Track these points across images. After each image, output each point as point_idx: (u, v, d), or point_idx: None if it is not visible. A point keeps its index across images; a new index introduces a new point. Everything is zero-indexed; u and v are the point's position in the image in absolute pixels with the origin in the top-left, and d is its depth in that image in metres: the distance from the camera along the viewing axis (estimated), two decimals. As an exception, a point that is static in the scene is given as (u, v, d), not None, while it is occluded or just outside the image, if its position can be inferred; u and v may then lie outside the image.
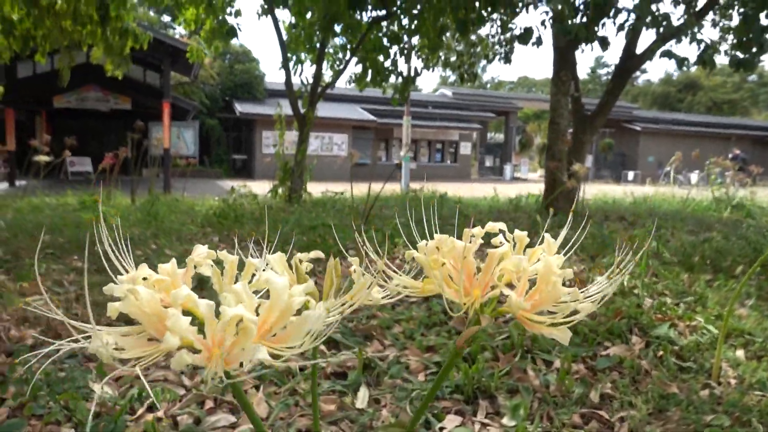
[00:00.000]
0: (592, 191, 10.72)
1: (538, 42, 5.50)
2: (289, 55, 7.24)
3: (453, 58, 7.50)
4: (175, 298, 0.45)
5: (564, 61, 5.82)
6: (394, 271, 0.80)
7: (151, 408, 1.70)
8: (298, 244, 3.78)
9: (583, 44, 5.54)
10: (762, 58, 5.01)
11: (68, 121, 24.08)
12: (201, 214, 5.26)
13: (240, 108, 27.96)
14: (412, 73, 7.27)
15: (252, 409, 0.81)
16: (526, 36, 5.22)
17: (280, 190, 6.98)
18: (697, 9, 5.34)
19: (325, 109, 29.05)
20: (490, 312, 0.67)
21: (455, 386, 1.88)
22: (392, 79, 7.28)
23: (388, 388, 1.91)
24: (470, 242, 0.68)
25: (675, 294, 2.78)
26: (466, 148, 33.33)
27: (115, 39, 7.12)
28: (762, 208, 7.16)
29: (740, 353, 2.21)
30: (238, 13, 7.04)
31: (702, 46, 4.64)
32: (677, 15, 5.55)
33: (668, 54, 4.81)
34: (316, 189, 8.11)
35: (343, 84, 8.33)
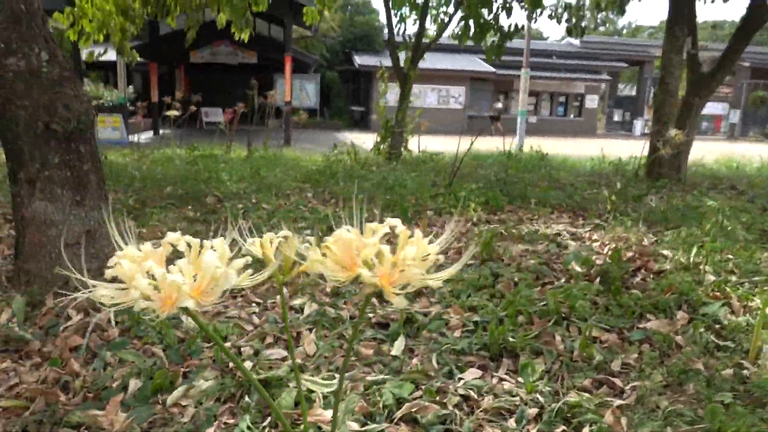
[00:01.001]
0: (727, 151, 9.80)
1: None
2: (393, 11, 7.36)
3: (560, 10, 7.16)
4: (143, 268, 0.73)
5: (679, 14, 5.38)
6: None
7: (224, 338, 2.09)
8: (380, 202, 4.07)
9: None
10: None
11: (203, 74, 26.10)
12: (303, 169, 5.71)
13: (359, 60, 28.47)
14: (512, 29, 7.08)
15: (228, 352, 1.09)
16: None
17: (381, 147, 7.28)
18: None
19: (441, 61, 28.91)
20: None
21: (483, 344, 2.08)
22: (492, 35, 7.15)
23: (424, 341, 2.16)
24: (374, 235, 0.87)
25: (744, 273, 2.69)
26: (592, 101, 31.46)
27: (236, 1, 7.68)
28: None
29: (791, 338, 2.16)
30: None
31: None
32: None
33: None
34: (431, 142, 8.29)
35: (449, 38, 8.25)
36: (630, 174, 5.30)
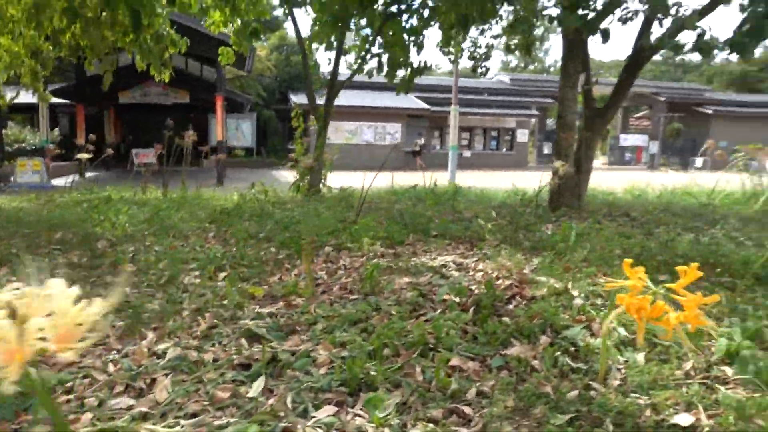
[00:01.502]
0: (640, 180, 10.32)
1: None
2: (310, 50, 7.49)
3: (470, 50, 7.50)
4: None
5: (572, 52, 5.73)
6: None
7: (70, 390, 1.99)
8: (278, 239, 4.04)
9: (591, 36, 5.44)
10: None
11: (135, 115, 25.61)
12: (214, 209, 5.62)
13: (294, 99, 28.64)
14: (422, 65, 7.35)
15: (46, 398, 1.04)
16: (518, 25, 5.17)
17: (300, 185, 7.28)
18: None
19: (378, 99, 29.47)
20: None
21: (343, 380, 2.07)
22: (402, 71, 7.40)
23: (287, 380, 2.12)
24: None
25: (610, 296, 2.81)
26: (523, 135, 32.75)
27: (151, 45, 7.61)
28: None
29: (641, 356, 2.26)
30: (261, 14, 7.35)
31: (697, 32, 4.49)
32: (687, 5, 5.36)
33: (675, 48, 4.66)
34: (361, 178, 8.31)
35: (375, 77, 8.41)
36: (533, 204, 5.50)
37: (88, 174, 19.39)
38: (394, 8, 6.50)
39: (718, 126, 30.86)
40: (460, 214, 5.35)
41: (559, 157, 5.67)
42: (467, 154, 32.08)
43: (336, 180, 8.23)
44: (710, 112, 30.76)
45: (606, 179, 13.17)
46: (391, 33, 6.92)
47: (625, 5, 5.30)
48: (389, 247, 3.98)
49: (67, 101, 21.91)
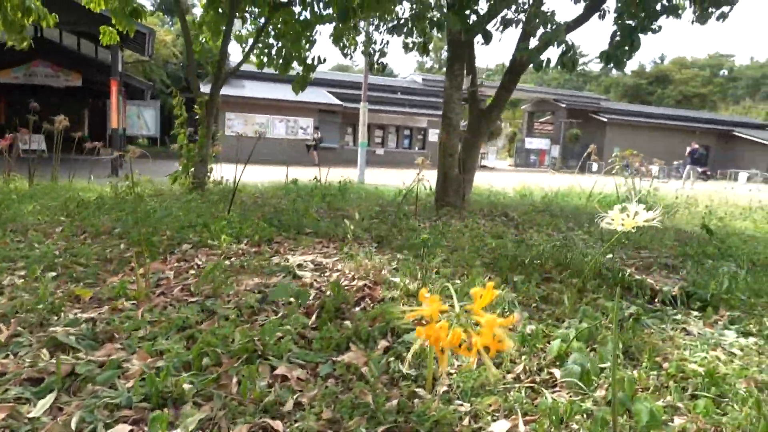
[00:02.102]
0: (536, 182, 10.71)
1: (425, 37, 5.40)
2: (199, 38, 7.10)
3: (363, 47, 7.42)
4: None
5: (456, 54, 5.77)
6: None
7: None
8: (132, 236, 3.72)
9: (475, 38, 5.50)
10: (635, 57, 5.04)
11: (21, 97, 23.51)
12: (77, 201, 5.15)
13: (201, 88, 27.50)
14: (315, 61, 7.19)
15: None
16: (398, 28, 5.14)
17: (182, 177, 6.88)
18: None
19: (290, 92, 28.90)
20: None
21: (145, 395, 1.86)
22: (297, 66, 7.20)
23: (86, 395, 1.89)
24: None
25: (460, 298, 2.78)
26: (434, 135, 33.37)
27: (16, 16, 6.90)
28: (668, 205, 7.25)
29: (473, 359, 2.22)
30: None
31: (562, 48, 4.64)
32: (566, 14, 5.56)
33: (539, 64, 4.78)
34: (278, 173, 7.98)
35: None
36: (418, 203, 5.48)
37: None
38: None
39: (612, 133, 32.97)
40: (341, 211, 5.24)
41: (444, 157, 5.69)
42: (380, 151, 32.29)
43: (233, 173, 7.88)
44: (605, 119, 32.79)
45: (506, 180, 13.61)
46: (281, 24, 6.67)
47: (505, 12, 5.38)
48: (254, 245, 3.77)
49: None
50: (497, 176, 22.27)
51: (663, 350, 2.46)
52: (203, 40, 7.20)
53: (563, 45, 4.54)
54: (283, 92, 29.01)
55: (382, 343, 2.32)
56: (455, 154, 5.93)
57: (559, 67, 4.61)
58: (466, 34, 4.82)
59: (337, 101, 29.57)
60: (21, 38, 6.73)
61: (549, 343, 2.44)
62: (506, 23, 5.00)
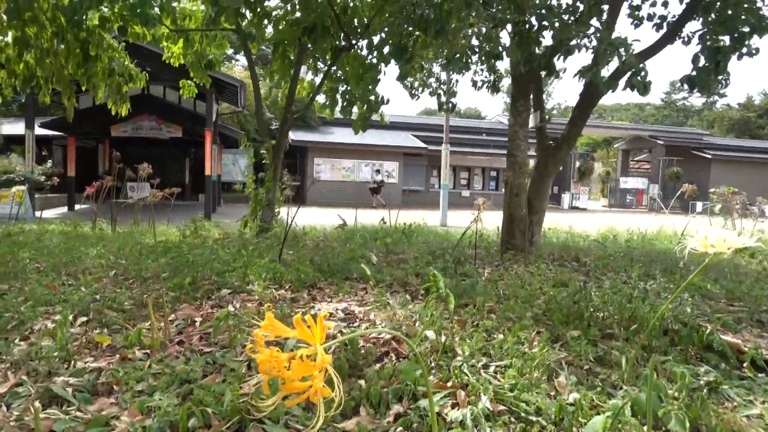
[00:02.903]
0: (629, 223, 9.89)
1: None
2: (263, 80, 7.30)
3: (433, 86, 7.30)
4: None
5: (520, 89, 5.47)
6: None
7: None
8: (168, 282, 3.70)
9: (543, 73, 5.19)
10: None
11: (130, 148, 25.65)
12: (145, 245, 5.31)
13: (293, 136, 28.86)
14: (379, 100, 7.12)
15: None
16: (455, 62, 4.91)
17: (251, 221, 6.98)
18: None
19: (376, 137, 29.58)
20: None
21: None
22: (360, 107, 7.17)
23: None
24: None
25: (497, 355, 2.44)
26: (522, 176, 32.59)
27: (104, 78, 7.43)
28: (777, 248, 6.35)
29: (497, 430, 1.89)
30: (219, 47, 7.20)
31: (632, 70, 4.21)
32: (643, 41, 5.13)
33: (608, 85, 4.38)
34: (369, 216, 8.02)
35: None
36: (483, 246, 5.14)
37: (79, 207, 19.30)
38: (345, 42, 6.32)
39: (718, 170, 30.59)
40: (399, 254, 5.01)
41: (509, 197, 5.35)
42: (466, 193, 31.90)
43: (314, 217, 7.97)
44: (709, 156, 30.53)
45: (597, 221, 12.78)
46: (348, 67, 6.72)
47: (576, 40, 5.04)
48: (295, 290, 3.63)
49: (60, 134, 22.02)
50: (587, 217, 21.15)
51: (746, 431, 1.99)
52: (275, 87, 7.40)
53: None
54: (370, 137, 29.70)
55: (395, 408, 2.03)
56: (522, 193, 5.56)
57: (629, 89, 4.19)
58: (525, 65, 4.54)
59: (422, 144, 29.78)
60: (121, 101, 7.18)
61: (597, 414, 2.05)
62: (568, 51, 4.64)
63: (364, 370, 2.34)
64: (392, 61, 6.57)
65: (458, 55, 5.00)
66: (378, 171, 28.78)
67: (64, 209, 19.48)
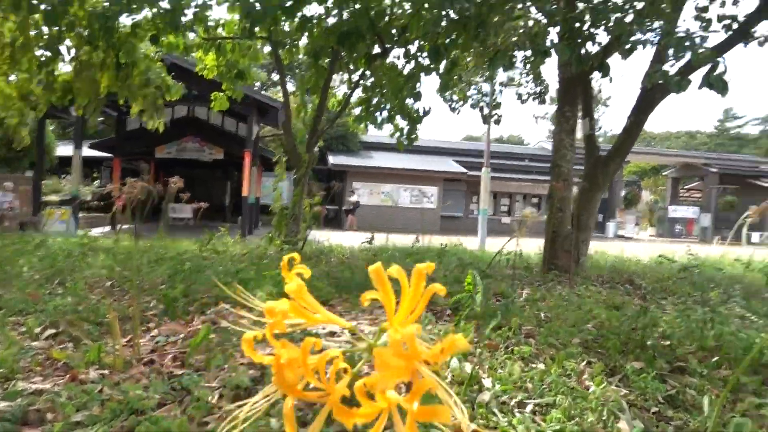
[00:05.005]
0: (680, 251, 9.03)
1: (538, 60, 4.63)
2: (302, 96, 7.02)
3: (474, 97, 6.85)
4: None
5: (568, 92, 4.95)
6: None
7: None
8: (162, 292, 3.30)
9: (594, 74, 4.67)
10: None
11: (174, 169, 26.01)
12: (163, 260, 4.97)
13: (332, 159, 28.86)
14: (421, 112, 6.67)
15: None
16: (498, 59, 4.37)
17: (275, 238, 6.59)
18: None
19: (415, 162, 29.26)
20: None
21: None
22: (400, 121, 6.76)
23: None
24: None
25: (536, 390, 1.90)
26: (565, 203, 31.56)
27: (139, 89, 7.27)
28: None
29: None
30: (251, 58, 6.96)
31: (708, 66, 3.64)
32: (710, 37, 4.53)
33: (679, 84, 3.80)
34: (402, 240, 7.78)
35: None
36: (521, 266, 4.60)
37: (122, 226, 19.49)
38: (378, 48, 5.95)
39: (777, 199, 28.85)
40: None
41: (553, 212, 4.79)
42: (506, 220, 31.06)
43: (348, 238, 7.65)
44: (766, 185, 28.91)
45: (645, 249, 11.92)
46: (382, 74, 6.34)
47: (634, 37, 4.47)
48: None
49: (106, 154, 22.48)
50: (633, 245, 20.05)
51: None
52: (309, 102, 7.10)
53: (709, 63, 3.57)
54: (410, 162, 29.38)
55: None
56: (566, 209, 5.00)
57: (707, 88, 3.60)
58: (577, 65, 4.01)
59: (462, 169, 29.30)
60: (158, 114, 7.00)
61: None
62: (629, 49, 4.08)
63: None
64: (430, 70, 6.16)
65: (501, 50, 4.51)
66: (353, 192, 28.28)
67: (107, 228, 19.73)
